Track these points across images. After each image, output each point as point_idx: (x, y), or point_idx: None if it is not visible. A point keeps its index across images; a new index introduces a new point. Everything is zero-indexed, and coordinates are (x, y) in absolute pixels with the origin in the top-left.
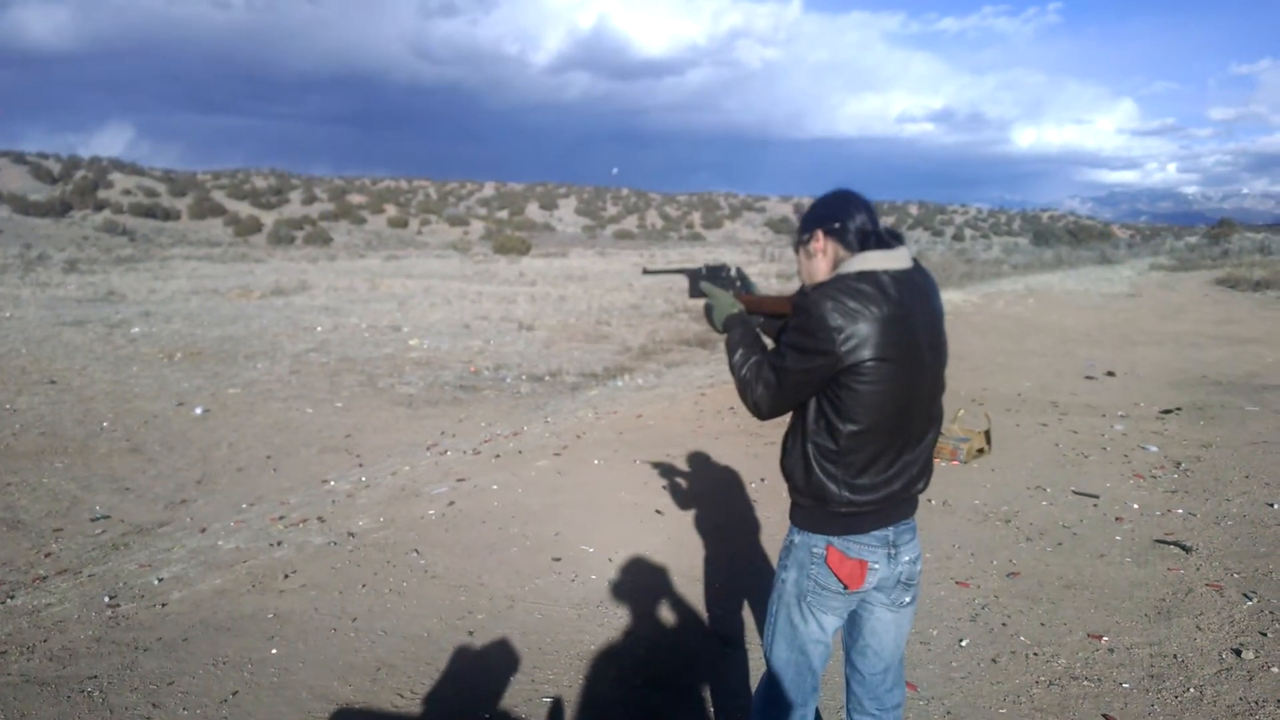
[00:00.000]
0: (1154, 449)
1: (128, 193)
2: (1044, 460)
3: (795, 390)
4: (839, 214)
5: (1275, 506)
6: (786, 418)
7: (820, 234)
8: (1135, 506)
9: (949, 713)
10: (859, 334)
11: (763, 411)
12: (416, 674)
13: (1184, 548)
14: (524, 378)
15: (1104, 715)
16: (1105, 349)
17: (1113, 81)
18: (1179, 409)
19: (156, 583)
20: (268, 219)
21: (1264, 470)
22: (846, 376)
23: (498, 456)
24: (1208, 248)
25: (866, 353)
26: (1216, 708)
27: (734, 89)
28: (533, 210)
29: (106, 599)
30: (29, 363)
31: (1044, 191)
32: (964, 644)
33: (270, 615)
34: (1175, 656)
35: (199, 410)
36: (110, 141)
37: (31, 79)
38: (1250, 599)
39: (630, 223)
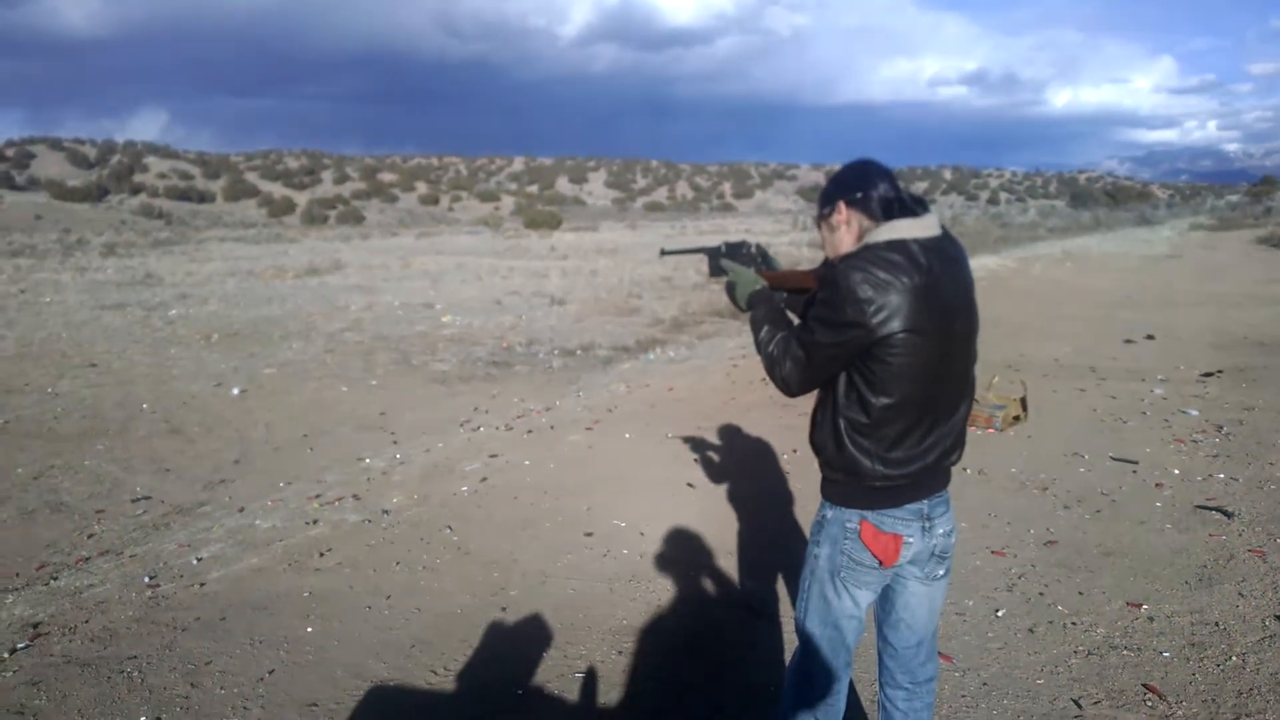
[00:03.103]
0: (1194, 413)
1: (163, 176)
2: (1082, 426)
3: (826, 365)
4: (860, 184)
5: None
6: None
7: (842, 205)
8: (1176, 472)
9: (985, 684)
10: (890, 305)
11: (792, 388)
12: (450, 650)
13: (1226, 513)
14: (556, 352)
15: (1144, 685)
16: (1145, 311)
17: (1150, 39)
18: (1220, 371)
19: (195, 562)
20: (301, 199)
21: None
22: (878, 349)
23: (530, 432)
24: (1249, 206)
25: (898, 324)
26: (1260, 675)
27: (763, 57)
28: (563, 184)
29: (146, 579)
30: (70, 347)
31: (1081, 153)
32: (1000, 614)
33: (306, 594)
34: (1217, 624)
35: (236, 391)
36: (145, 126)
37: (66, 66)
38: None
39: (661, 194)
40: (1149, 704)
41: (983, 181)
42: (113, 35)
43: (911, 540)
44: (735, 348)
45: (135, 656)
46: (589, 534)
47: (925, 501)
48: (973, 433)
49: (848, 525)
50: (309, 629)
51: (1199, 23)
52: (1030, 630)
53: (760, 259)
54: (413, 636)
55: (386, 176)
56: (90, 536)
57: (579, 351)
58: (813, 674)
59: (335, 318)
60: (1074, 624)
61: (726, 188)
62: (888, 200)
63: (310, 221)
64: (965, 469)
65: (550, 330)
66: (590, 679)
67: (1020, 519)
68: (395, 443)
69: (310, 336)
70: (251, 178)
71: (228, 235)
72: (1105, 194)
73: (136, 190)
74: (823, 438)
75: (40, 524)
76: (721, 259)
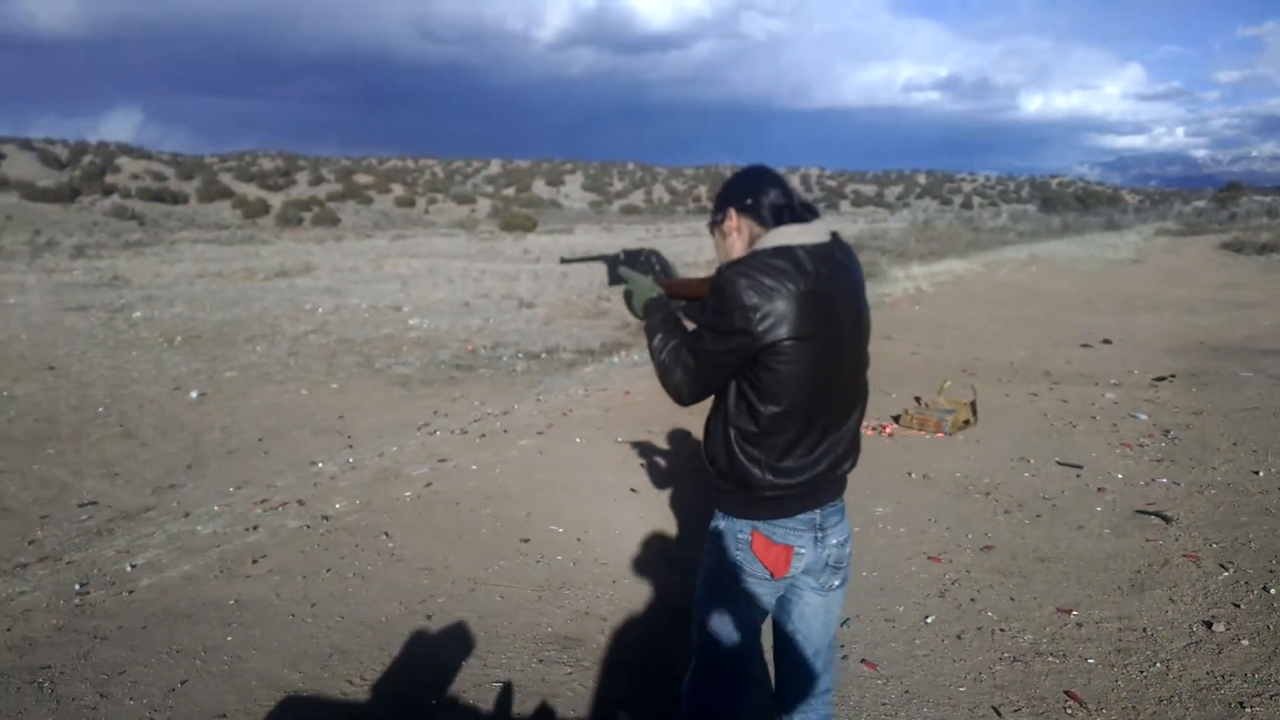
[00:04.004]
0: (1144, 417)
1: (136, 177)
2: (1030, 430)
3: (715, 373)
4: (751, 191)
5: (1261, 474)
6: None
7: (733, 212)
8: (1119, 476)
9: (907, 691)
10: (776, 312)
11: (684, 396)
12: (369, 660)
13: (1165, 518)
14: (520, 356)
15: (1066, 692)
16: (1104, 316)
17: (1119, 46)
18: (1172, 376)
19: (129, 569)
20: (275, 201)
21: (1252, 437)
22: (765, 356)
23: (483, 436)
24: (1215, 211)
25: (784, 331)
26: (1182, 682)
27: (739, 61)
28: (539, 187)
29: (77, 586)
30: (29, 349)
31: (1053, 158)
32: (929, 621)
33: (231, 602)
34: (1144, 630)
35: (194, 394)
36: (118, 127)
37: (39, 65)
38: (1226, 569)
39: (637, 198)
40: (1069, 711)
41: (956, 186)
42: (87, 34)
43: (803, 551)
44: None
45: (49, 666)
46: (525, 540)
47: (817, 511)
48: (921, 437)
49: (739, 536)
50: (229, 638)
51: (1166, 31)
52: (958, 637)
53: (659, 267)
54: (333, 645)
55: (362, 178)
56: (31, 542)
57: (543, 355)
58: (708, 686)
59: (301, 320)
60: (1002, 630)
61: (702, 191)
62: (778, 207)
63: (284, 223)
64: (910, 473)
65: (517, 333)
66: (506, 690)
67: (960, 524)
68: (350, 447)
69: (275, 339)
70: (226, 179)
71: (200, 237)
72: (1076, 199)
73: (109, 191)
74: (714, 448)
75: None
76: (620, 267)
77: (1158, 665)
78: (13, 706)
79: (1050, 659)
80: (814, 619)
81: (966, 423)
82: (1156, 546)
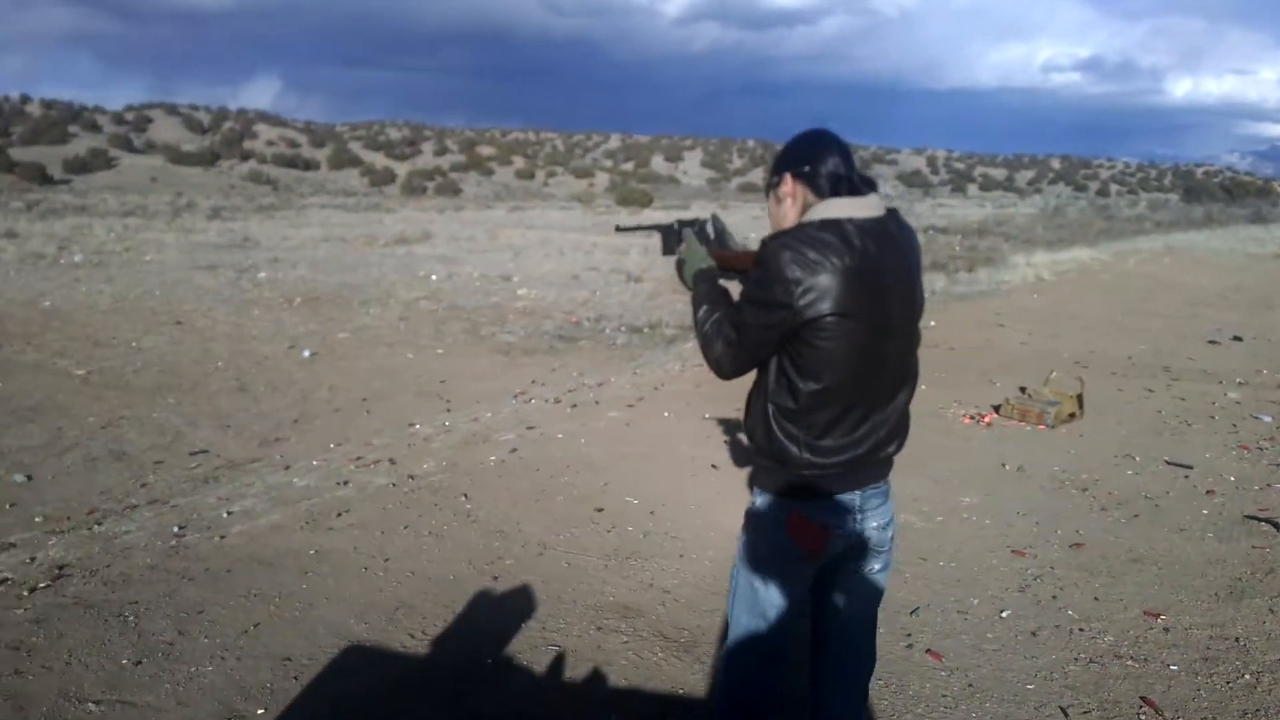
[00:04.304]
0: (1268, 419)
1: (271, 143)
2: (1141, 427)
3: (755, 347)
4: (810, 157)
5: None
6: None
7: (789, 178)
8: (1231, 479)
9: (970, 685)
10: (819, 286)
11: (724, 370)
12: (433, 615)
13: (1276, 525)
14: (622, 329)
15: (1142, 698)
16: (1238, 312)
17: (1277, 29)
18: None
19: (225, 516)
20: (401, 170)
21: None
22: (806, 332)
23: (574, 406)
24: None
25: (826, 306)
26: (1271, 696)
27: (868, 37)
28: (658, 162)
29: (176, 529)
30: (160, 304)
31: (1200, 145)
32: (1004, 615)
33: (312, 552)
34: (1237, 640)
35: (307, 353)
36: (257, 94)
37: (185, 35)
38: None
39: (756, 175)
40: (1143, 717)
41: (1093, 172)
42: (231, 6)
43: (840, 532)
44: None
45: (136, 602)
46: (599, 509)
47: (858, 493)
48: (1021, 428)
49: (777, 515)
50: (304, 586)
51: None
52: (1033, 634)
53: (715, 238)
54: (399, 600)
55: (485, 150)
56: (144, 486)
57: (645, 329)
58: (741, 665)
59: (415, 286)
60: (1081, 630)
61: None
62: (836, 177)
63: (409, 192)
64: (1004, 465)
65: (621, 306)
66: (560, 656)
67: (1051, 519)
68: (448, 410)
69: (388, 304)
70: (355, 147)
71: (329, 203)
72: (1222, 189)
73: (246, 156)
74: (753, 423)
75: (101, 471)
76: (675, 236)
77: (1246, 677)
78: (98, 636)
79: (1130, 663)
80: (852, 603)
81: (1072, 416)
82: (1262, 554)
